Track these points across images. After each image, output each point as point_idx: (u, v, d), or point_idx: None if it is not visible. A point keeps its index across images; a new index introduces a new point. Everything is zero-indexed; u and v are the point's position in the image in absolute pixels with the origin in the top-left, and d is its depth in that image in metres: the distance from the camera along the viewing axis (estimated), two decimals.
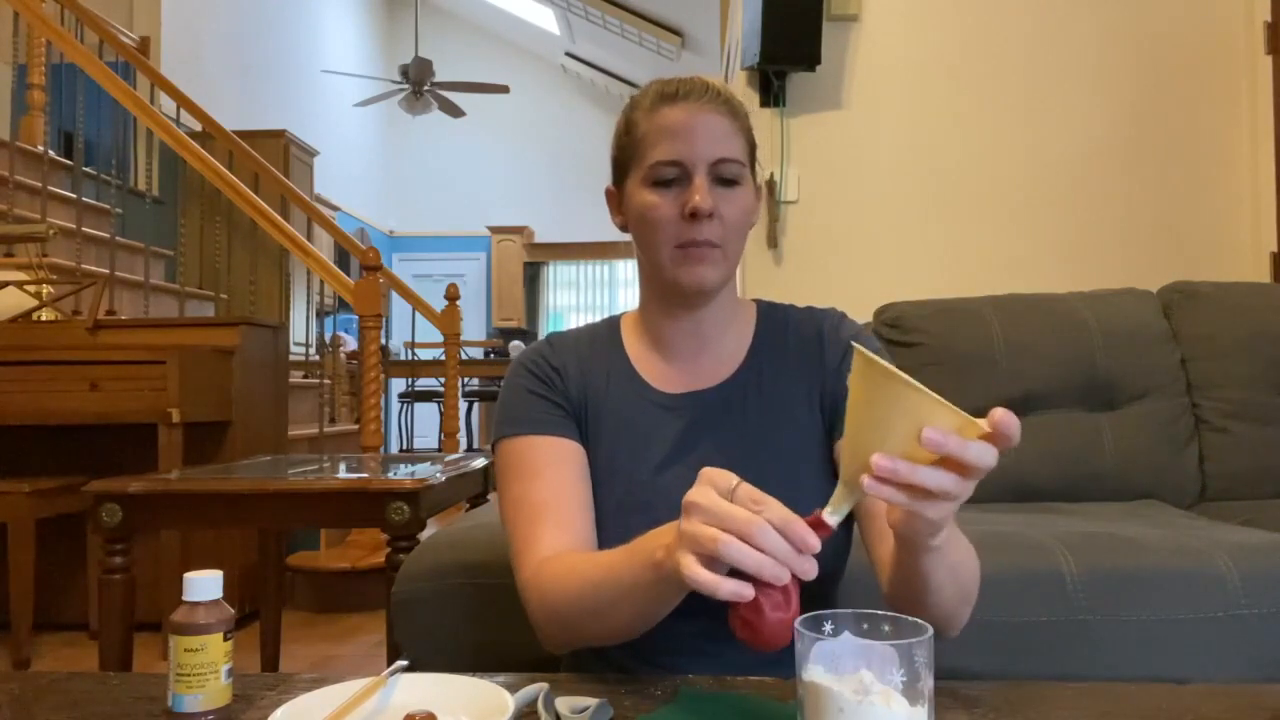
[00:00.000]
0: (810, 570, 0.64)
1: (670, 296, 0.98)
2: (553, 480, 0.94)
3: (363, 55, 9.13)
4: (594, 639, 0.89)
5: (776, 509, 0.65)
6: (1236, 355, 2.00)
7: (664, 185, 0.93)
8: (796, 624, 0.60)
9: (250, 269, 4.40)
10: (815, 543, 0.64)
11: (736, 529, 0.63)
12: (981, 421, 0.60)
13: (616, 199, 1.01)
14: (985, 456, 0.60)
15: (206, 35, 5.99)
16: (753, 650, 0.66)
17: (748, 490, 0.66)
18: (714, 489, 0.67)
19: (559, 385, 0.99)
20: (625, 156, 0.97)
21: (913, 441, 0.59)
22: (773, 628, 0.65)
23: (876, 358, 0.60)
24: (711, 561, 0.65)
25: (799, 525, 0.64)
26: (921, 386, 0.59)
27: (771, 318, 1.04)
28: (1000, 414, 0.60)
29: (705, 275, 0.93)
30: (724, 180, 0.92)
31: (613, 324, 1.07)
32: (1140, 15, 2.83)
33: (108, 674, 0.86)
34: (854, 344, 0.64)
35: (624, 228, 1.01)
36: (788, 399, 0.98)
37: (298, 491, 1.76)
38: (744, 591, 0.63)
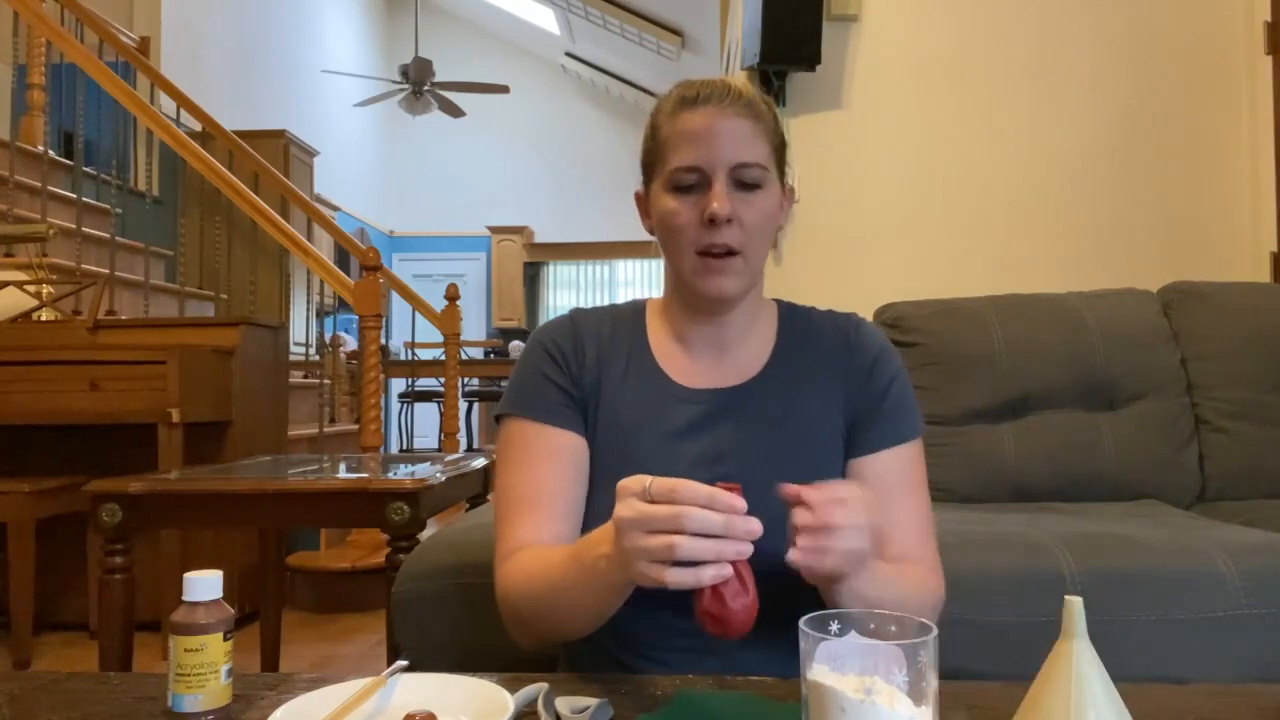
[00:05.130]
0: (755, 528, 0.66)
1: (693, 301, 0.97)
2: (540, 473, 0.94)
3: (363, 55, 9.13)
4: (546, 636, 0.90)
5: (692, 490, 0.66)
6: (1236, 355, 2.00)
7: (684, 191, 0.92)
8: (801, 623, 0.60)
9: (250, 269, 4.40)
10: (742, 503, 0.66)
11: (667, 527, 0.65)
12: None
13: (645, 202, 1.00)
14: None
15: (206, 35, 5.98)
16: (726, 642, 0.70)
17: (659, 483, 0.67)
18: (634, 498, 0.68)
19: (572, 370, 0.98)
20: (650, 160, 0.97)
21: None
22: (738, 615, 0.68)
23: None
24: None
25: (721, 494, 0.66)
26: None
27: (793, 320, 1.03)
28: None
29: (726, 285, 0.93)
30: (745, 184, 0.91)
31: (638, 309, 1.05)
32: (1141, 15, 2.83)
33: (108, 674, 0.86)
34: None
35: (653, 231, 0.99)
36: (809, 402, 0.97)
37: (298, 491, 1.76)
38: (723, 571, 0.66)
